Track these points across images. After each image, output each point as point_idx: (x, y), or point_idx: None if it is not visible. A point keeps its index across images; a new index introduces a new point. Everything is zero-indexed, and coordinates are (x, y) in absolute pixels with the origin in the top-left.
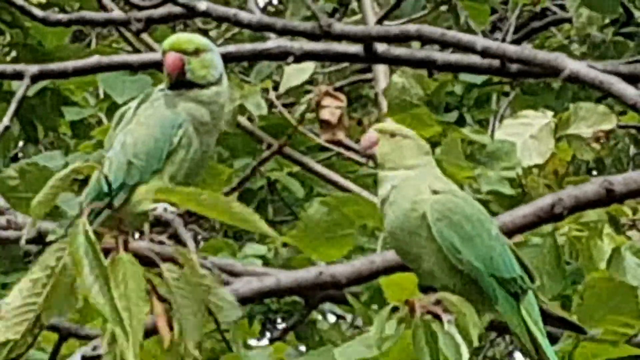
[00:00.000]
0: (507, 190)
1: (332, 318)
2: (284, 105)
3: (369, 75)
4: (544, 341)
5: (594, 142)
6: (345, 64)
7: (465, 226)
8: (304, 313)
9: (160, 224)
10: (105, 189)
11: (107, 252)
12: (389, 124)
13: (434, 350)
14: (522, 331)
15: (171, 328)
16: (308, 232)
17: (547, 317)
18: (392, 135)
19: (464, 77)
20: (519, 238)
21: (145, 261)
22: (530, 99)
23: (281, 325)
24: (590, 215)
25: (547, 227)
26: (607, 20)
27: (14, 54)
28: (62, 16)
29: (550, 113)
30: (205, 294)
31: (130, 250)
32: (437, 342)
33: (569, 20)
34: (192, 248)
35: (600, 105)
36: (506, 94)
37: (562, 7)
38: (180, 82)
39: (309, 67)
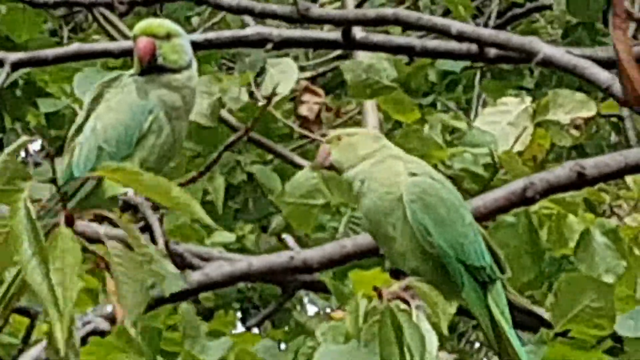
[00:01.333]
0: (480, 170)
1: (312, 309)
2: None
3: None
4: (509, 331)
5: (572, 128)
6: (327, 52)
7: (439, 209)
8: (280, 301)
9: (129, 207)
10: (76, 174)
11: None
12: (335, 131)
13: (400, 340)
14: (484, 320)
15: None
16: (290, 194)
17: (515, 309)
18: (339, 139)
19: (442, 64)
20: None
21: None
22: (500, 83)
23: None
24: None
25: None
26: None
27: None
28: None
29: (528, 99)
30: (147, 266)
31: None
32: (403, 333)
33: (549, 7)
34: (158, 232)
35: (578, 92)
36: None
37: None
38: (151, 67)
39: (293, 69)
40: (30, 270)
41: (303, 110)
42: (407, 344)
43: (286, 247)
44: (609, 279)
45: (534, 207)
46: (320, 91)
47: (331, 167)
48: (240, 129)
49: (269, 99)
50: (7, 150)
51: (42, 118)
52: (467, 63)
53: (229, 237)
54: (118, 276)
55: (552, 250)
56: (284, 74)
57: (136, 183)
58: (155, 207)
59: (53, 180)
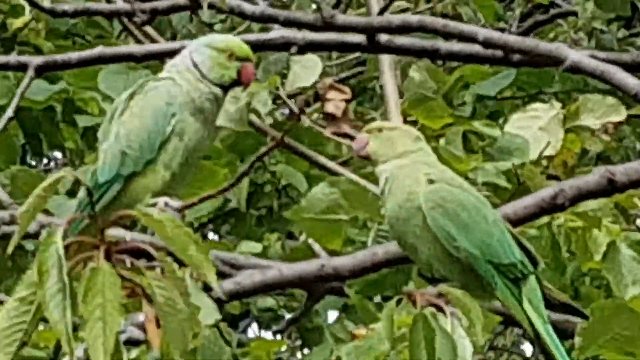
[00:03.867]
0: (503, 182)
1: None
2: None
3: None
4: (544, 328)
5: (602, 133)
6: (350, 56)
7: (460, 214)
8: (307, 306)
9: None
10: (102, 179)
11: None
12: (376, 122)
13: (431, 348)
14: (522, 317)
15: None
16: (309, 209)
17: (550, 303)
18: (380, 130)
19: (477, 89)
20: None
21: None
22: None
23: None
24: (588, 205)
25: (544, 219)
26: (612, 15)
27: None
28: (68, 7)
29: (558, 104)
30: (187, 298)
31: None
32: (434, 340)
33: (575, 13)
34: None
35: (608, 97)
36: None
37: None
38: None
39: (316, 64)
40: (52, 307)
41: (329, 107)
42: (437, 351)
43: (313, 253)
44: (636, 290)
45: (558, 221)
46: (346, 89)
47: (366, 157)
48: (270, 132)
49: (301, 110)
50: (42, 184)
51: (78, 138)
52: (503, 85)
53: (255, 247)
54: (161, 307)
55: (572, 262)
56: (307, 69)
57: (159, 231)
58: (184, 218)
59: (88, 192)
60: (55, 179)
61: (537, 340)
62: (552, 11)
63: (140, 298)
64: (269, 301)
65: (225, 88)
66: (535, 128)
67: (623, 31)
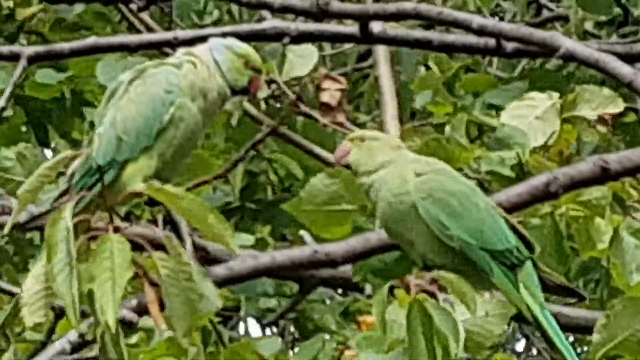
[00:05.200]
0: (507, 171)
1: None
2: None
3: (368, 63)
4: (542, 313)
5: (599, 124)
6: (343, 47)
7: (451, 202)
8: (298, 298)
9: (155, 203)
10: (95, 165)
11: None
12: (359, 132)
13: (428, 330)
14: (520, 303)
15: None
16: (308, 201)
17: (548, 286)
18: (362, 140)
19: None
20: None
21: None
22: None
23: None
24: (591, 193)
25: (546, 208)
26: (603, 18)
27: None
28: None
29: (556, 94)
30: (189, 282)
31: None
32: (432, 322)
33: (565, 18)
34: (185, 228)
35: (605, 88)
36: None
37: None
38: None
39: (312, 53)
40: (60, 280)
41: (325, 97)
42: (437, 330)
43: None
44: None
45: (560, 210)
46: (342, 79)
47: (347, 167)
48: (265, 121)
49: (298, 97)
50: (46, 164)
51: (85, 130)
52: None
53: (247, 239)
54: (167, 288)
55: (577, 252)
56: (302, 58)
57: (175, 205)
58: None
59: (99, 171)
60: (59, 158)
61: (535, 325)
62: (544, 14)
63: (143, 280)
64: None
65: (234, 92)
66: (531, 117)
67: (615, 36)
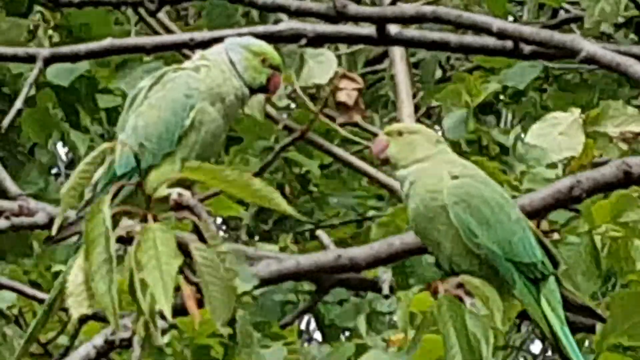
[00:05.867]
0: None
1: None
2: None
3: (383, 65)
4: (561, 329)
5: (620, 141)
6: (358, 48)
7: (483, 210)
8: (316, 299)
9: (181, 208)
10: (120, 171)
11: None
12: (397, 124)
13: (460, 324)
14: (540, 317)
15: (200, 307)
16: None
17: (570, 305)
18: (400, 134)
19: (506, 78)
20: (556, 236)
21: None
22: (567, 95)
23: None
24: (628, 215)
25: (584, 226)
26: (621, 20)
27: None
28: None
29: (577, 110)
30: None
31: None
32: (463, 318)
33: (581, 19)
34: (213, 232)
35: (629, 106)
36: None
37: (575, 3)
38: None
39: (331, 61)
40: (98, 279)
41: (341, 96)
42: (471, 332)
43: (321, 244)
44: None
45: (599, 229)
46: (359, 78)
47: (385, 161)
48: (288, 124)
49: (324, 104)
50: (85, 160)
51: (99, 115)
52: (533, 76)
53: (271, 249)
54: (205, 278)
55: (615, 274)
56: (322, 65)
57: (216, 179)
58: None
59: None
60: (97, 153)
61: (554, 341)
62: (560, 16)
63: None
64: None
65: (252, 91)
66: (555, 134)
67: (632, 37)
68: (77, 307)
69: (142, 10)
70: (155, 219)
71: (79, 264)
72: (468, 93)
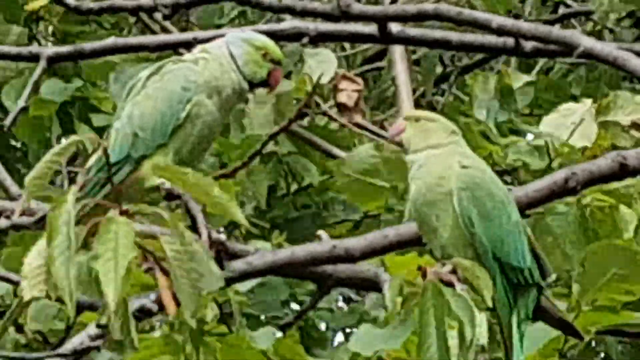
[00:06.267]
0: (536, 162)
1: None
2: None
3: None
4: (519, 344)
5: (633, 129)
6: (360, 48)
7: (486, 203)
8: (315, 298)
9: (173, 197)
10: (113, 158)
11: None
12: (416, 111)
13: (441, 313)
14: (505, 321)
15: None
16: (349, 166)
17: (548, 317)
18: (417, 120)
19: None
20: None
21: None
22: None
23: None
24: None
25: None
26: (623, 14)
27: None
28: (93, 5)
29: (589, 101)
30: (191, 263)
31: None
32: (444, 306)
33: (584, 13)
34: (201, 221)
35: (638, 95)
36: None
37: None
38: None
39: (331, 60)
40: (59, 264)
41: (342, 97)
42: (453, 314)
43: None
44: None
45: (586, 200)
46: (359, 79)
47: (399, 144)
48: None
49: (311, 93)
50: (54, 150)
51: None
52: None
53: (264, 246)
54: (175, 270)
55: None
56: (322, 64)
57: (180, 181)
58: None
59: (107, 165)
60: (68, 143)
61: (505, 351)
62: (561, 11)
63: (154, 267)
64: None
65: (253, 85)
66: (568, 123)
67: (633, 30)
68: (29, 289)
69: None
70: (124, 212)
71: (38, 249)
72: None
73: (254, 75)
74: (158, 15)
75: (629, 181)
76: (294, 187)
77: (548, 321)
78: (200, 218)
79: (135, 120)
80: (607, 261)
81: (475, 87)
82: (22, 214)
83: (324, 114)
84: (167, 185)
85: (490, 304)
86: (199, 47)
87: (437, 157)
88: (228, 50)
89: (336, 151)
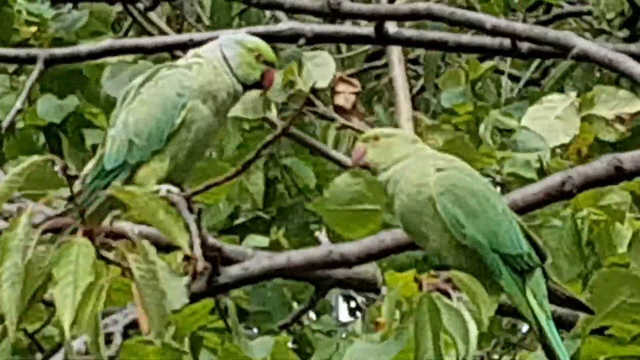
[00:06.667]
0: (530, 174)
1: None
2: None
3: (381, 61)
4: (547, 323)
5: (617, 123)
6: (357, 49)
7: (469, 201)
8: (313, 299)
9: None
10: (109, 166)
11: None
12: (372, 130)
13: (436, 327)
14: (526, 309)
15: None
16: (332, 201)
17: (556, 297)
18: (376, 138)
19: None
20: None
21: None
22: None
23: None
24: (612, 198)
25: (567, 210)
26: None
27: None
28: None
29: (573, 94)
30: (152, 282)
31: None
32: (441, 321)
33: (577, 14)
34: (194, 232)
35: (621, 89)
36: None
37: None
38: (251, 88)
39: (329, 63)
40: (5, 288)
41: (339, 100)
42: (445, 329)
43: (317, 241)
44: None
45: (581, 213)
46: (356, 82)
47: (365, 167)
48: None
49: (308, 98)
50: (15, 169)
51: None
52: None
53: (262, 241)
54: (141, 288)
55: (596, 257)
56: (320, 68)
57: (131, 201)
58: (191, 209)
59: (71, 198)
60: (27, 164)
61: (539, 333)
62: (554, 11)
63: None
64: None
65: (246, 87)
66: (551, 117)
67: (625, 31)
68: None
69: (134, 11)
70: (87, 234)
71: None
72: (465, 72)
73: (247, 77)
74: (153, 15)
75: (619, 197)
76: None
77: (557, 301)
78: (193, 227)
79: (130, 127)
80: (616, 288)
81: (446, 83)
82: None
83: (322, 116)
84: (162, 193)
85: (486, 321)
86: (192, 51)
87: (410, 166)
88: (221, 53)
89: (334, 153)
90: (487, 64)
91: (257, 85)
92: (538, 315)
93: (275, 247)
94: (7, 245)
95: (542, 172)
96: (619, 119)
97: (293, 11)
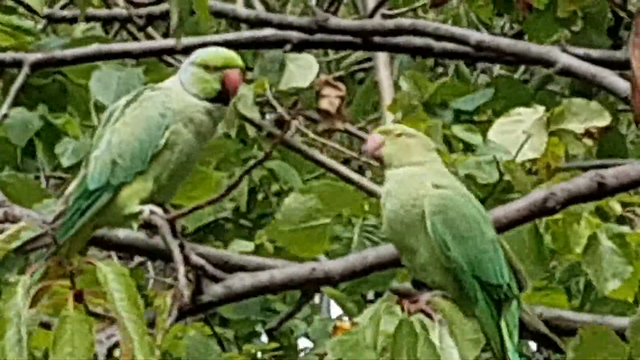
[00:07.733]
0: (484, 175)
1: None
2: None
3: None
4: (512, 354)
5: (586, 137)
6: (344, 54)
7: (459, 224)
8: (300, 303)
9: (149, 226)
10: (92, 186)
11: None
12: (393, 125)
13: (412, 353)
14: (495, 338)
15: None
16: (286, 221)
17: (526, 330)
18: (398, 135)
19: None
20: None
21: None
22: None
23: None
24: None
25: None
26: None
27: None
28: (66, 13)
29: (541, 108)
30: None
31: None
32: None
33: None
34: (178, 258)
35: (592, 102)
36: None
37: None
38: (221, 98)
39: (312, 65)
40: (11, 357)
41: (324, 104)
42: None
43: None
44: (615, 284)
45: None
46: (341, 85)
47: (378, 158)
48: (264, 127)
49: (293, 117)
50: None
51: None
52: (481, 101)
53: (247, 245)
54: (123, 321)
55: (556, 255)
56: (303, 69)
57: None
58: (174, 231)
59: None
60: (16, 229)
61: None
62: None
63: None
64: None
65: (215, 100)
66: (519, 132)
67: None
68: None
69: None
70: (77, 296)
71: None
72: (418, 88)
73: (204, 91)
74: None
75: None
76: (274, 188)
77: (527, 334)
78: (176, 251)
79: (114, 148)
80: (600, 346)
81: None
82: (5, 219)
83: (307, 118)
84: (146, 214)
85: (467, 353)
86: (154, 86)
87: (413, 176)
88: (179, 79)
89: (320, 157)
90: (447, 113)
91: (224, 92)
92: (507, 345)
93: (260, 251)
94: (6, 315)
95: (499, 175)
96: (588, 134)
97: (281, 27)
